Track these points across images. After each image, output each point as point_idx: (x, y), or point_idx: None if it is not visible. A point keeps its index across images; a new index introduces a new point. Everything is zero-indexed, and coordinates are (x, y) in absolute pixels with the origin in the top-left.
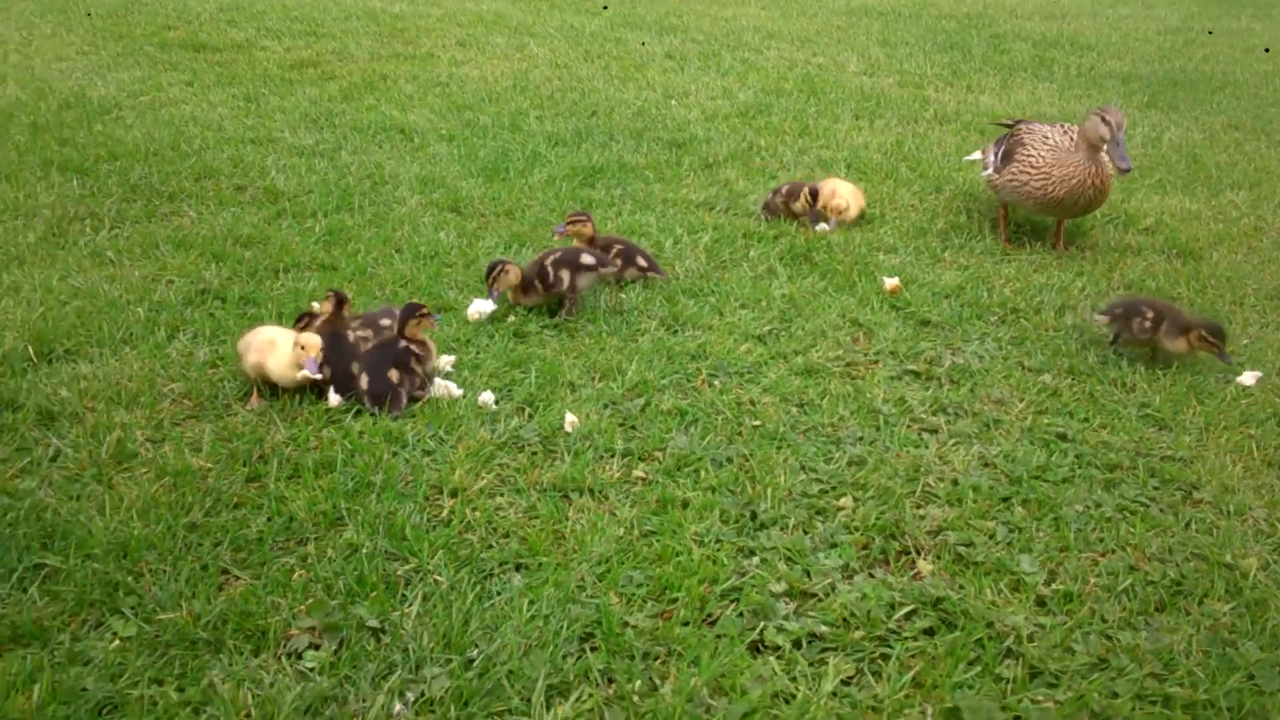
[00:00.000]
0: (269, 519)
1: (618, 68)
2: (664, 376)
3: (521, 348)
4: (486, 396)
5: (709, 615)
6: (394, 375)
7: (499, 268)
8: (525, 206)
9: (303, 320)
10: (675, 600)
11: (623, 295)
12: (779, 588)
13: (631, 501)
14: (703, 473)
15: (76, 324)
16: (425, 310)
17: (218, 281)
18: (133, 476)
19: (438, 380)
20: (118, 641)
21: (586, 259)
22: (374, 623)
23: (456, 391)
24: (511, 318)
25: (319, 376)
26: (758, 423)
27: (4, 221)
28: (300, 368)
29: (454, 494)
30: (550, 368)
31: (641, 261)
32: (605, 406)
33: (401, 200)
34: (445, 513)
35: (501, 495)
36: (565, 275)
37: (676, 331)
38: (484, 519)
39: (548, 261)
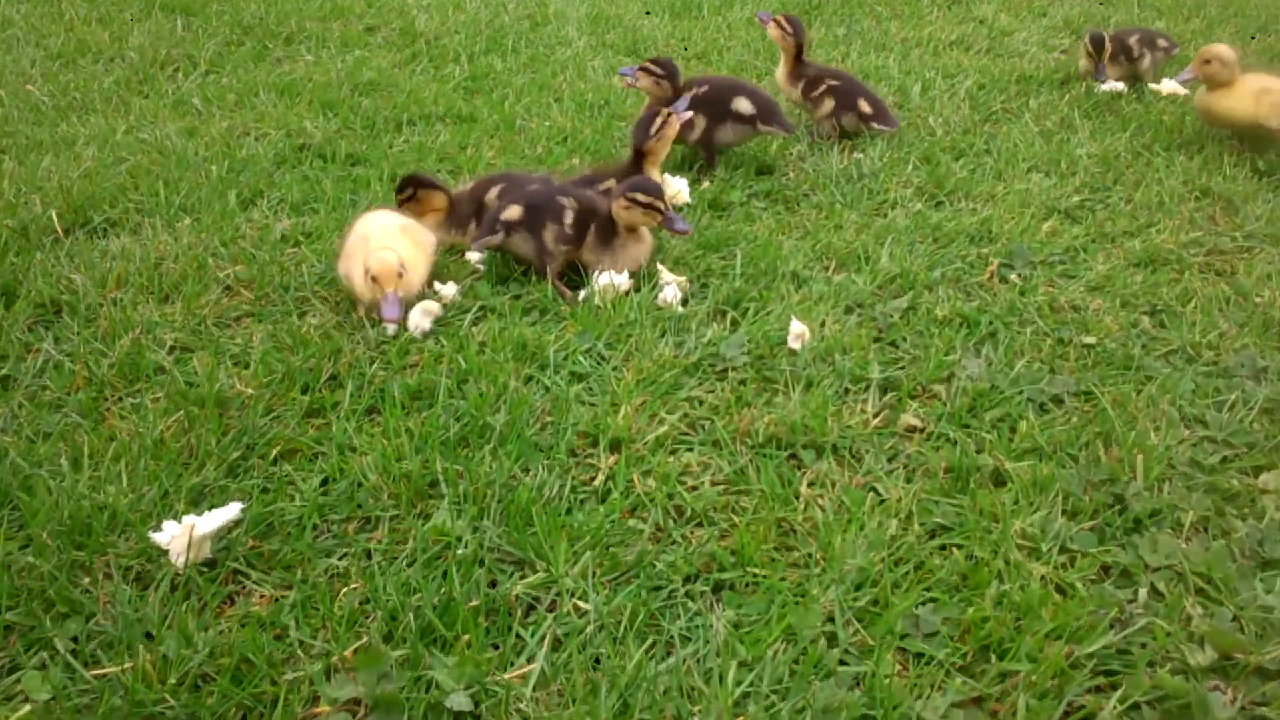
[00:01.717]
0: (323, 483)
1: None
2: (933, 267)
3: (720, 223)
4: (670, 292)
5: (1078, 709)
6: (513, 212)
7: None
8: (724, 48)
9: (406, 191)
10: (1007, 677)
11: (859, 154)
12: (1203, 658)
13: (905, 471)
14: (1022, 422)
15: (128, 185)
16: (666, 113)
17: (322, 135)
18: (138, 405)
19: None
20: (27, 708)
21: (743, 105)
22: (460, 700)
23: (623, 282)
24: (707, 184)
25: (393, 326)
26: (1091, 340)
27: (83, 66)
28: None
29: (614, 447)
30: (763, 252)
31: (865, 106)
32: (849, 311)
33: (566, 41)
34: (600, 480)
35: (690, 451)
36: (700, 122)
37: (942, 204)
38: (662, 493)
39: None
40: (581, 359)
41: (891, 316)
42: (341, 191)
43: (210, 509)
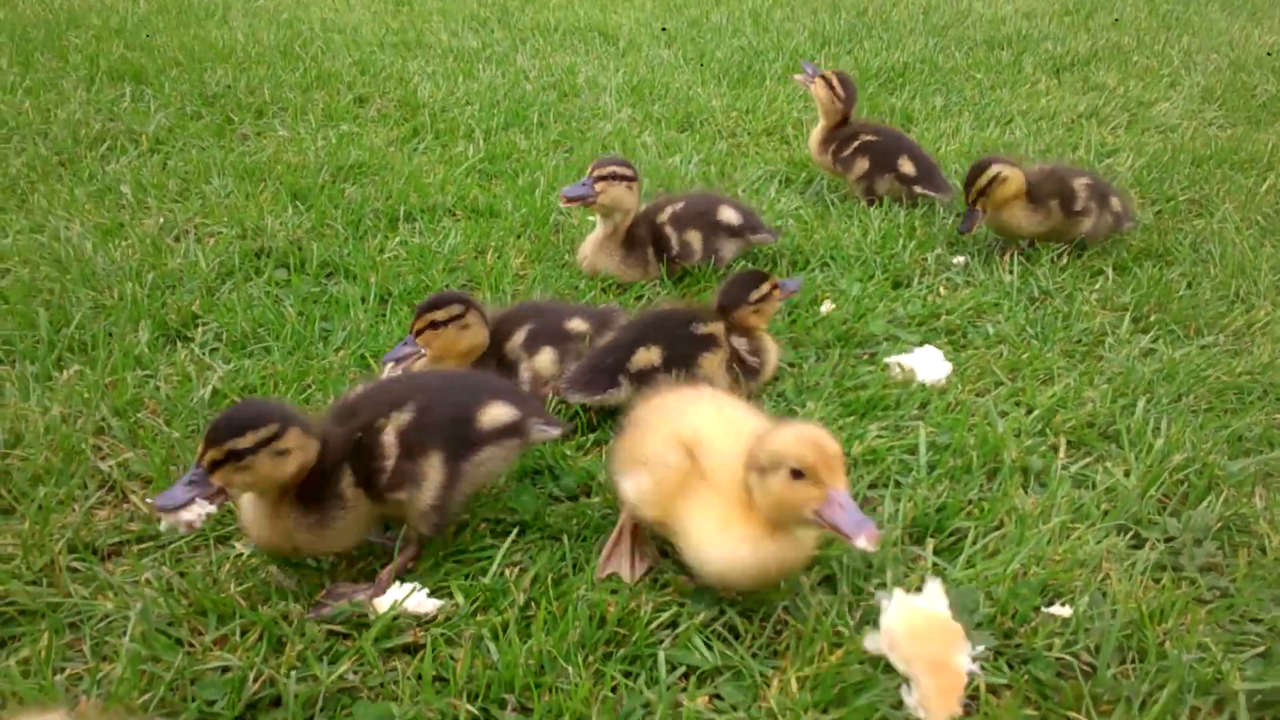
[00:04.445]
0: None
1: None
2: (1224, 450)
3: (868, 370)
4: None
5: None
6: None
7: None
8: (799, 121)
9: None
10: None
11: (1022, 260)
12: None
13: None
14: None
15: None
16: (773, 282)
17: (287, 234)
18: None
19: None
20: None
21: (729, 214)
22: None
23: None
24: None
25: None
26: None
27: None
28: None
29: None
30: (956, 424)
31: (907, 166)
32: (1128, 535)
33: (605, 113)
34: None
35: None
36: (695, 239)
37: (1177, 337)
38: None
39: (663, 216)
40: (699, 644)
41: (1203, 547)
42: (309, 319)
43: None
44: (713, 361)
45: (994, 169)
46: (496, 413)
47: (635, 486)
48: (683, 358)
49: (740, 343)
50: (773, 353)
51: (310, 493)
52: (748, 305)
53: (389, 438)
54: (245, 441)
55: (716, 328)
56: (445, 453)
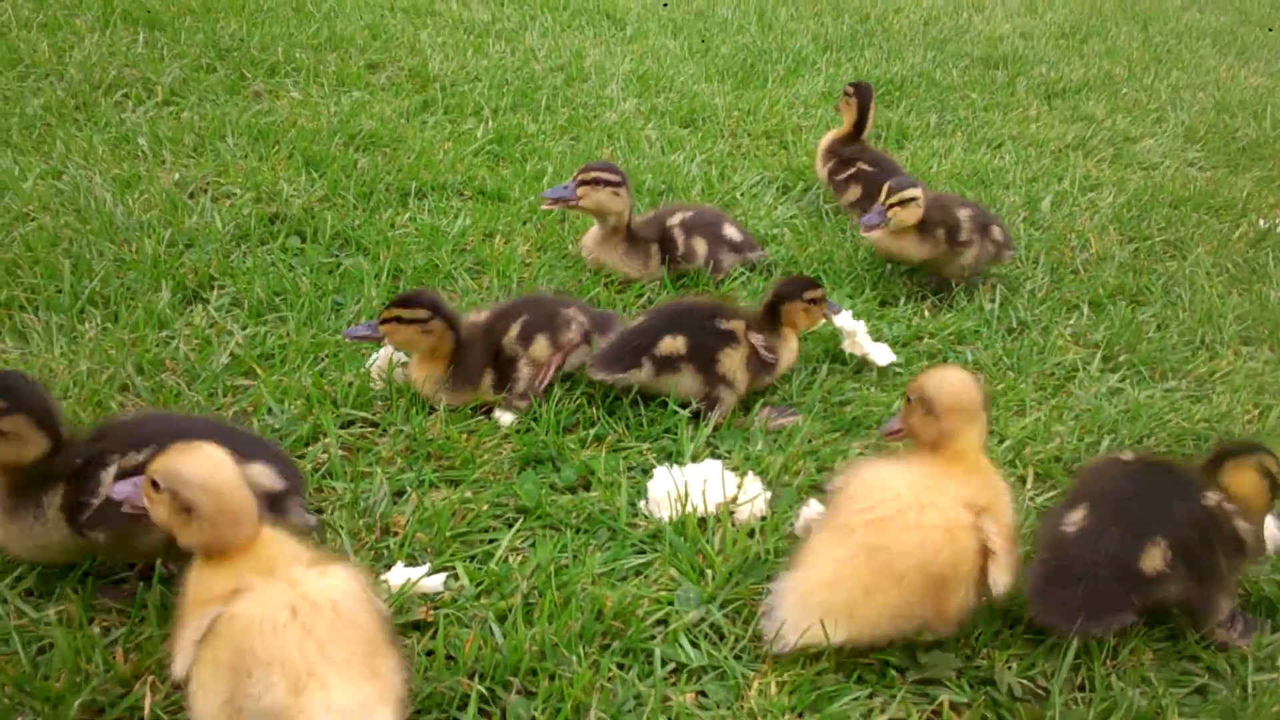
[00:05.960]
0: None
1: None
2: None
3: (853, 387)
4: (808, 511)
5: None
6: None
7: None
8: (799, 128)
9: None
10: None
11: (1003, 287)
12: None
13: None
14: None
15: (21, 260)
16: (820, 291)
17: (303, 202)
18: None
19: None
20: None
21: (731, 231)
22: None
23: (757, 497)
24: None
25: None
26: None
27: (4, 83)
28: None
29: None
30: None
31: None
32: None
33: (610, 102)
34: None
35: None
36: (700, 245)
37: (1142, 378)
38: None
39: (673, 220)
40: (686, 642)
41: None
42: (323, 290)
43: None
44: (733, 358)
45: (915, 191)
46: (256, 473)
47: (1009, 577)
48: (705, 350)
49: (757, 339)
50: (792, 352)
51: (21, 490)
52: (801, 301)
53: (107, 475)
54: None
55: (737, 325)
56: None
